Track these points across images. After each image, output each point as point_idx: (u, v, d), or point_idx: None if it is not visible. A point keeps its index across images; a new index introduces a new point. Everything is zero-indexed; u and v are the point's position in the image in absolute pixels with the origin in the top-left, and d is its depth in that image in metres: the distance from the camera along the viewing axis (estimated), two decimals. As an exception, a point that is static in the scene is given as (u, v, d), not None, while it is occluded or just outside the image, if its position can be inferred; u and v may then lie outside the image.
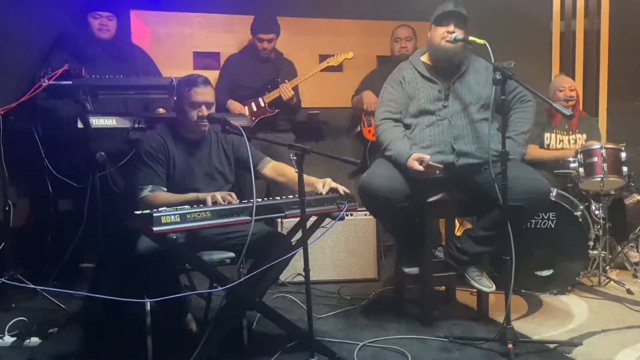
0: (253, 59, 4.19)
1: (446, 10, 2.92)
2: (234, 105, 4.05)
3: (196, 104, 2.66)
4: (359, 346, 2.66)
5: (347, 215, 3.26)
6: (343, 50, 4.12)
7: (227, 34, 4.58)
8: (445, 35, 2.91)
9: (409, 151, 2.85)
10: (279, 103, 4.07)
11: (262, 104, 4.08)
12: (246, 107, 4.07)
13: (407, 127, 3.01)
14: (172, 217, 2.06)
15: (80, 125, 3.06)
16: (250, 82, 4.14)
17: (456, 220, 3.81)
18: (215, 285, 2.53)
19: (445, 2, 2.97)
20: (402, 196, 2.83)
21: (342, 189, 2.60)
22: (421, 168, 2.78)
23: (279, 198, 2.45)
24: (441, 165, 2.82)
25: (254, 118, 4.04)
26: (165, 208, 2.13)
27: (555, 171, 3.90)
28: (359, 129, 4.34)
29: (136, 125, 3.15)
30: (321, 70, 4.11)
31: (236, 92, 4.14)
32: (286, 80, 4.05)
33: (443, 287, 3.45)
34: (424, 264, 2.99)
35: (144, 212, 2.12)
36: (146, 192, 2.57)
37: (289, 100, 4.03)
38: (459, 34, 2.88)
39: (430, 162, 2.78)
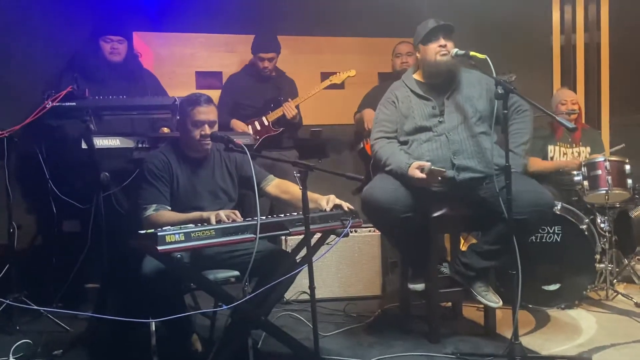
0: (254, 78, 4.23)
1: (431, 27, 2.95)
2: (237, 124, 4.07)
3: (199, 122, 2.68)
4: (366, 364, 2.64)
5: (351, 231, 3.24)
6: (344, 68, 4.15)
7: (229, 54, 4.62)
8: (439, 49, 2.93)
9: (408, 161, 2.85)
10: (283, 121, 4.09)
11: (266, 123, 4.10)
12: (250, 126, 4.09)
13: (403, 144, 3.02)
14: (177, 235, 2.06)
15: (84, 146, 3.07)
16: (252, 101, 4.16)
17: (461, 236, 3.80)
18: (220, 304, 2.51)
19: (425, 21, 3.00)
20: (405, 206, 2.82)
21: (346, 205, 2.60)
22: (423, 175, 2.78)
23: (283, 215, 2.45)
24: (444, 169, 2.80)
25: (258, 137, 4.06)
26: (169, 227, 2.13)
27: (559, 179, 3.89)
28: (362, 146, 4.35)
29: (140, 145, 3.16)
30: (324, 88, 4.13)
31: (238, 111, 4.16)
32: (289, 99, 4.07)
33: (449, 303, 3.43)
34: (429, 280, 2.97)
35: (148, 231, 2.12)
36: (150, 211, 2.57)
37: (292, 118, 4.04)
38: (450, 45, 2.91)
39: (432, 167, 2.77)
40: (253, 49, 4.18)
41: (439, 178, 2.82)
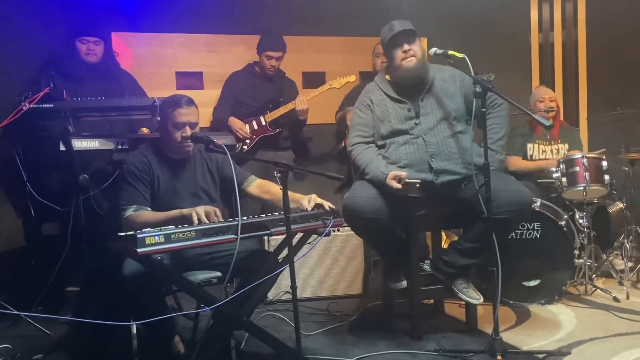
0: (256, 77, 4.25)
1: (393, 33, 2.91)
2: (234, 123, 4.09)
3: (180, 124, 2.66)
4: (349, 363, 2.65)
5: (333, 230, 3.24)
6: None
7: (210, 54, 4.60)
8: (403, 56, 2.91)
9: (385, 171, 2.83)
10: (281, 122, 4.13)
11: (264, 123, 4.11)
12: (247, 125, 4.11)
13: (380, 147, 3.00)
14: (157, 237, 2.05)
15: (62, 148, 3.04)
16: (252, 100, 4.19)
17: (443, 233, 3.82)
18: (202, 305, 2.50)
19: (387, 25, 2.95)
20: (387, 215, 2.83)
21: (327, 204, 2.60)
22: (399, 186, 2.77)
23: (264, 216, 2.45)
24: (419, 181, 2.79)
25: (254, 136, 4.09)
26: (148, 229, 2.12)
27: (538, 181, 3.94)
28: (343, 145, 4.36)
29: (119, 147, 3.13)
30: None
31: (237, 109, 4.19)
32: (289, 101, 4.10)
33: (431, 301, 3.45)
34: (412, 278, 2.99)
35: (128, 233, 2.10)
36: (130, 212, 2.55)
37: (300, 113, 4.06)
38: (415, 48, 2.90)
39: (407, 180, 2.77)
40: (260, 48, 4.20)
41: (417, 186, 2.80)
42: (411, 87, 2.98)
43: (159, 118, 2.76)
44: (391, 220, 2.86)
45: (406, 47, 2.90)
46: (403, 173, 2.80)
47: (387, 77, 3.09)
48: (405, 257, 2.99)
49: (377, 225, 2.83)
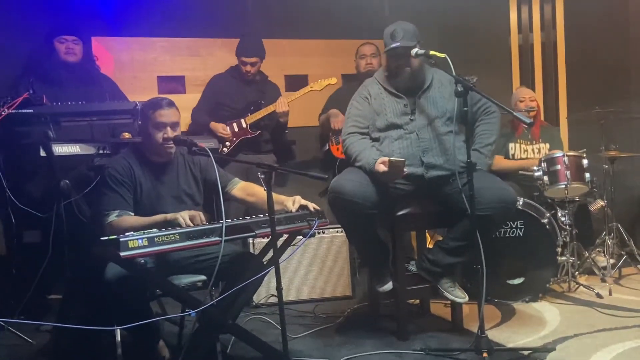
0: (238, 80, 4.25)
1: (391, 46, 2.92)
2: (216, 127, 4.08)
3: (161, 125, 2.64)
4: (336, 364, 2.64)
5: (318, 232, 3.25)
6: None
7: (191, 58, 4.58)
8: (397, 65, 2.97)
9: (376, 157, 2.87)
10: (262, 125, 4.13)
11: (244, 125, 4.11)
12: (227, 128, 4.09)
13: (375, 140, 3.04)
14: (140, 241, 2.03)
15: (42, 153, 3.00)
16: (233, 103, 4.18)
17: (427, 234, 3.84)
18: (187, 310, 2.48)
19: (390, 28, 2.95)
20: (371, 202, 2.83)
21: (312, 205, 2.60)
22: (385, 168, 2.79)
23: (248, 218, 2.44)
24: (404, 159, 2.81)
25: (234, 138, 4.09)
26: (132, 232, 2.10)
27: (520, 172, 3.98)
28: (327, 147, 4.36)
29: (101, 152, 3.10)
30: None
31: (218, 112, 4.17)
32: (270, 104, 4.09)
33: (417, 301, 3.46)
34: (397, 278, 3.00)
35: (111, 237, 2.08)
36: (112, 217, 2.52)
37: (281, 115, 4.07)
38: (413, 57, 2.92)
39: (390, 159, 2.78)
40: (237, 52, 4.20)
41: (405, 171, 2.82)
42: (409, 87, 3.02)
43: (140, 121, 2.73)
44: (374, 210, 2.85)
45: (402, 60, 2.95)
46: (387, 158, 2.81)
47: (387, 73, 3.12)
48: (388, 259, 3.01)
49: (360, 212, 2.82)
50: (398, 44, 2.90)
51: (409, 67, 2.96)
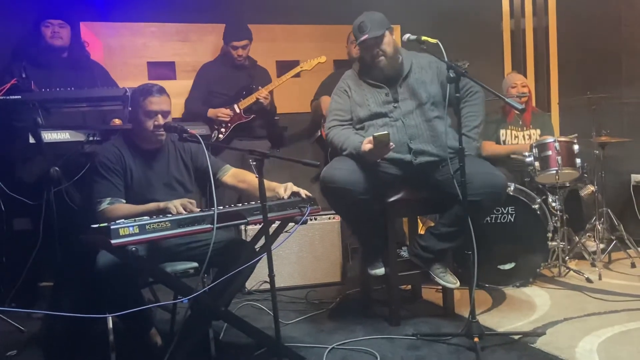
0: (227, 66, 4.23)
1: (360, 39, 2.92)
2: (215, 112, 4.07)
3: (152, 113, 2.62)
4: (328, 349, 2.65)
5: (310, 219, 3.24)
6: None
7: (181, 43, 4.53)
8: (372, 56, 2.95)
9: (361, 140, 2.87)
10: (254, 109, 4.11)
11: (238, 110, 4.09)
12: (229, 109, 4.08)
13: (359, 130, 3.03)
14: (131, 228, 2.02)
15: (32, 140, 2.97)
16: (225, 89, 4.16)
17: (419, 220, 3.85)
18: (179, 297, 2.48)
19: (356, 22, 2.95)
20: (362, 188, 2.83)
21: (304, 192, 2.59)
22: (371, 145, 2.78)
23: (240, 205, 2.43)
24: (387, 132, 2.79)
25: (229, 124, 4.06)
26: (123, 220, 2.08)
27: (512, 156, 3.98)
28: (319, 134, 4.34)
29: (91, 138, 3.07)
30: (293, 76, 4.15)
31: (211, 100, 4.16)
32: (260, 87, 4.09)
33: (409, 286, 3.48)
34: (389, 264, 3.01)
35: (102, 225, 2.07)
36: (104, 205, 2.51)
37: (265, 105, 4.07)
38: (385, 46, 2.92)
39: (374, 135, 2.76)
40: (225, 38, 4.18)
41: (391, 144, 2.80)
42: (388, 75, 3.00)
43: (130, 108, 2.70)
44: (366, 195, 2.86)
45: (375, 50, 2.93)
46: (370, 137, 2.80)
47: (363, 65, 3.09)
48: (381, 241, 3.01)
49: (351, 197, 2.83)
50: (367, 35, 2.90)
51: (383, 57, 2.95)
